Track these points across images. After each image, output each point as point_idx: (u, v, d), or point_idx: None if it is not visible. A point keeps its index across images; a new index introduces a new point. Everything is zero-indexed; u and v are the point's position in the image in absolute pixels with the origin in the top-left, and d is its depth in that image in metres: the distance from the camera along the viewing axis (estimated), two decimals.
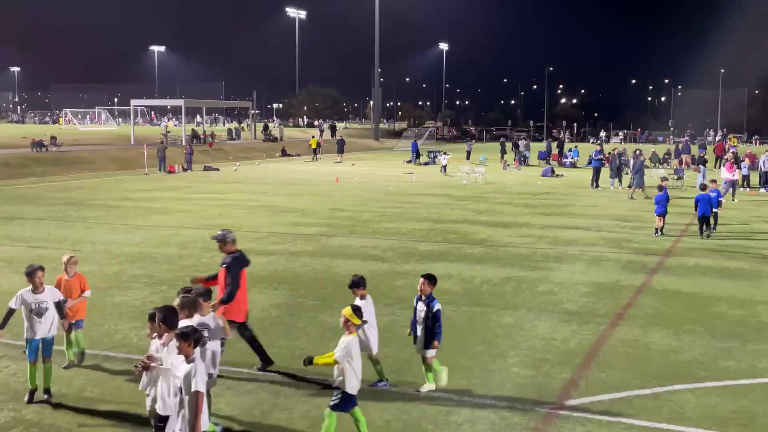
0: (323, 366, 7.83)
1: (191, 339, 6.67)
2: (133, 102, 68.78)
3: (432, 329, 9.25)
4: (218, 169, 45.98)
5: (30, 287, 9.07)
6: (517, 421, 8.65)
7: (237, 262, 10.10)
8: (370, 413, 8.71)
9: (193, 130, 67.68)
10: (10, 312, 9.05)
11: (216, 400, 9.10)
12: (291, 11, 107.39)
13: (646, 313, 13.34)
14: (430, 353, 9.31)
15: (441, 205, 28.94)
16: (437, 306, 9.32)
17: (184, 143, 54.74)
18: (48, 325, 9.07)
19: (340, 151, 58.87)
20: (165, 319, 7.31)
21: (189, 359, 6.60)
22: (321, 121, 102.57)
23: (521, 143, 55.99)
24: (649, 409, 9.01)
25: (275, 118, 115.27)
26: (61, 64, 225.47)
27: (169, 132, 65.46)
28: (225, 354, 10.72)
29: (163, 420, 7.10)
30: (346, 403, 7.71)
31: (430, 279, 9.43)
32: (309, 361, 7.79)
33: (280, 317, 12.94)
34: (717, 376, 10.15)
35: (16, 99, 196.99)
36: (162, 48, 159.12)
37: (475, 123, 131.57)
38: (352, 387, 7.70)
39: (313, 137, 66.42)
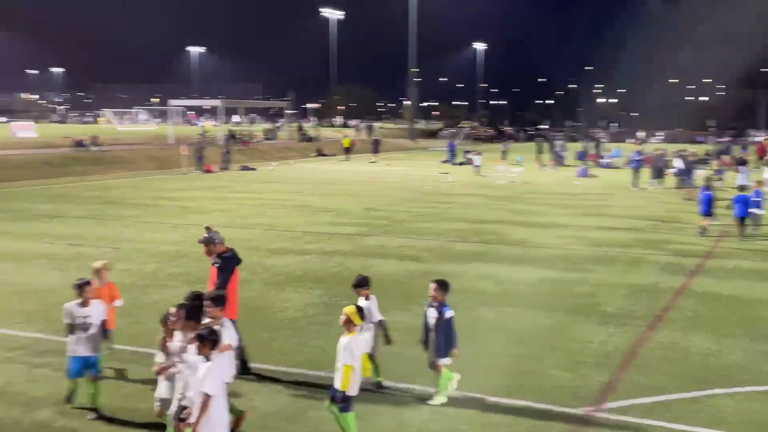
0: (349, 378, 7.72)
1: (209, 340, 6.75)
2: (172, 102, 69.64)
3: (446, 337, 8.90)
4: (255, 169, 46.32)
5: (78, 300, 8.76)
6: (554, 423, 8.57)
7: (229, 262, 9.94)
8: (406, 415, 8.71)
9: (230, 129, 68.30)
10: (70, 329, 8.74)
11: (252, 397, 9.17)
12: (327, 12, 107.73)
13: (685, 315, 13.13)
14: (443, 361, 9.00)
15: (477, 205, 28.81)
16: (450, 313, 8.98)
17: (221, 143, 55.26)
18: (93, 342, 8.75)
19: (376, 151, 58.92)
20: (189, 315, 7.41)
21: (207, 359, 6.69)
22: (359, 121, 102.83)
23: (558, 143, 55.50)
24: (687, 413, 8.87)
25: (311, 118, 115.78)
26: (103, 65, 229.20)
27: (206, 132, 66.16)
28: (262, 352, 10.82)
29: None
30: (350, 403, 7.74)
31: (442, 285, 9.09)
32: (338, 397, 7.76)
33: (315, 316, 12.99)
34: (757, 381, 9.95)
35: (60, 99, 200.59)
36: (201, 49, 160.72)
37: (511, 123, 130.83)
38: (354, 388, 7.73)
39: (345, 137, 66.57)
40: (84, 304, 8.73)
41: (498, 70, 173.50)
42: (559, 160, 51.51)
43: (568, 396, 9.37)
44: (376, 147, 59.52)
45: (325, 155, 61.09)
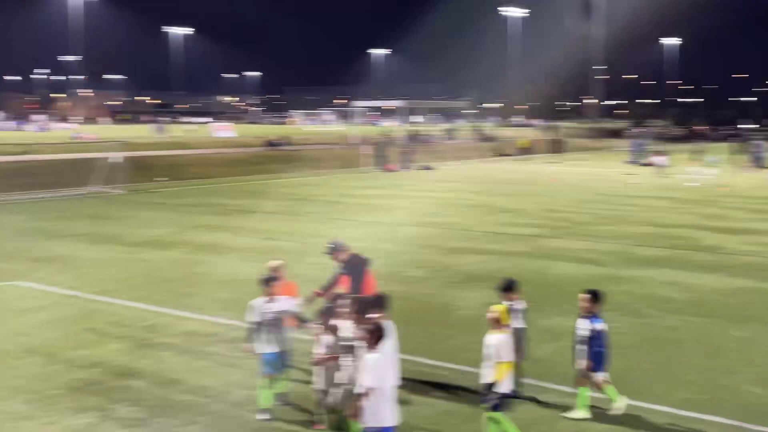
0: (504, 373, 7.72)
1: (374, 334, 6.99)
2: (356, 103, 71.97)
3: (596, 351, 8.49)
4: (434, 168, 46.83)
5: (265, 296, 8.80)
6: None
7: (354, 268, 10.06)
8: (583, 426, 8.51)
9: (410, 130, 69.57)
10: (255, 326, 8.78)
11: (431, 394, 9.31)
12: (508, 10, 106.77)
13: None
14: (598, 377, 8.58)
15: (664, 208, 27.43)
16: (600, 325, 8.56)
17: (401, 143, 56.38)
18: (284, 337, 8.79)
19: (557, 150, 57.68)
20: (359, 310, 7.68)
21: (371, 352, 6.95)
22: (539, 120, 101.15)
23: (756, 143, 51.55)
24: None
25: (491, 118, 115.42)
26: (294, 69, 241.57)
27: (389, 132, 67.77)
28: (438, 349, 10.97)
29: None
30: (502, 402, 7.71)
31: (594, 296, 8.69)
32: (490, 397, 7.76)
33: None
34: None
35: (255, 101, 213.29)
36: (387, 51, 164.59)
37: (703, 122, 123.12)
38: (507, 386, 7.72)
39: (522, 137, 65.72)
40: (271, 299, 8.80)
41: (690, 66, 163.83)
42: (757, 162, 47.84)
43: (765, 414, 8.73)
44: (557, 147, 58.27)
45: (504, 155, 60.63)
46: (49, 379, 9.76)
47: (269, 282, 8.86)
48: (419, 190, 34.16)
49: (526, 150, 58.03)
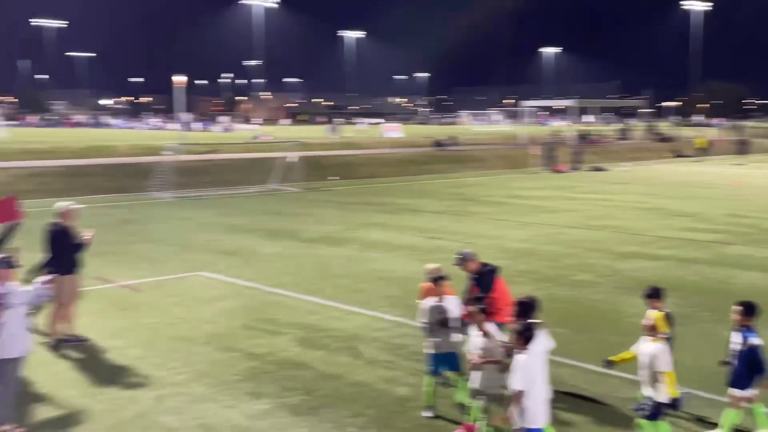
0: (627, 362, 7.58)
1: (524, 336, 7.00)
2: (525, 103, 71.02)
3: (748, 367, 7.85)
4: (606, 170, 45.32)
5: (435, 297, 8.77)
6: None
7: (483, 278, 9.76)
8: None
9: (581, 129, 67.70)
10: (426, 326, 8.79)
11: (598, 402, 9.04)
12: (690, 4, 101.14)
13: None
14: (739, 393, 7.95)
15: None
16: (755, 340, 7.89)
17: (571, 143, 54.99)
18: (452, 338, 8.73)
19: (742, 152, 53.96)
20: (519, 312, 7.59)
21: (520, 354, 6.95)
22: (722, 120, 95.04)
23: None
24: None
25: (670, 117, 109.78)
26: (463, 70, 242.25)
27: (558, 132, 66.32)
28: (608, 356, 10.61)
29: None
30: (658, 412, 7.44)
31: (748, 309, 8.05)
32: (648, 406, 7.50)
33: None
34: None
35: (423, 102, 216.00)
36: (557, 49, 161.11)
37: None
38: (663, 396, 7.43)
39: (700, 137, 61.97)
40: (441, 299, 8.79)
41: None
42: None
43: None
44: (742, 148, 54.52)
45: (682, 156, 57.56)
46: (229, 366, 10.42)
47: (438, 282, 8.88)
48: (589, 191, 33.18)
49: (705, 151, 54.73)
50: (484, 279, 9.81)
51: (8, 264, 8.30)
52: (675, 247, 19.33)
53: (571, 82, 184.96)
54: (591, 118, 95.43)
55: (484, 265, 9.99)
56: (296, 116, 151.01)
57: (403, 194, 32.15)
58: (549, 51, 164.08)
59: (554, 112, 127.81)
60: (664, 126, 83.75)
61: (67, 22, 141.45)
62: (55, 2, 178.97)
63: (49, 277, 8.61)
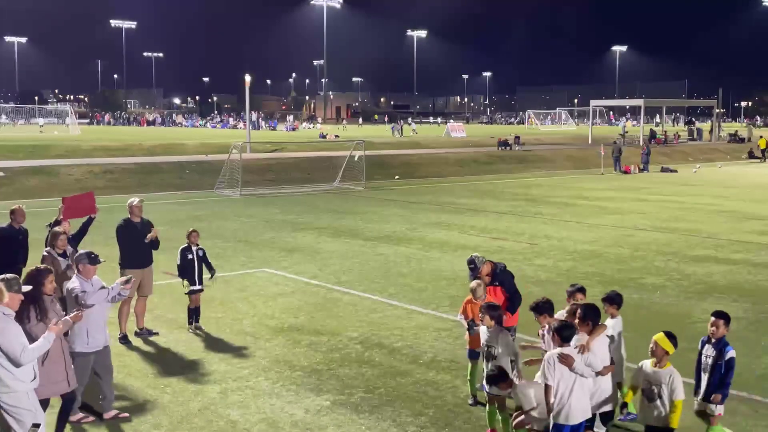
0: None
1: (561, 333, 6.97)
2: (593, 102, 69.80)
3: (722, 382, 7.52)
4: (676, 171, 44.25)
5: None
6: None
7: (505, 277, 9.65)
8: None
9: (651, 130, 66.18)
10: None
11: None
12: None
13: None
14: (718, 409, 7.57)
15: None
16: (731, 353, 7.55)
17: (641, 143, 53.83)
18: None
19: None
20: (585, 316, 7.45)
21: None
22: None
23: None
24: None
25: (744, 118, 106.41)
26: (526, 68, 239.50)
27: (626, 132, 65.01)
28: (676, 363, 10.34)
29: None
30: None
31: (727, 319, 7.72)
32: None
33: (738, 331, 11.95)
34: None
35: (487, 102, 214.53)
36: (624, 48, 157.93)
37: None
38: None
39: (761, 137, 59.81)
40: None
41: None
42: None
43: None
44: None
45: (756, 158, 55.72)
46: (292, 361, 10.54)
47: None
48: (659, 193, 32.41)
49: (762, 151, 53.15)
50: (505, 279, 9.73)
51: (92, 259, 8.53)
52: (748, 251, 18.72)
53: (641, 82, 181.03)
54: (661, 118, 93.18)
55: (495, 264, 9.85)
56: (359, 115, 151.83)
57: (466, 194, 31.98)
58: (617, 49, 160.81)
59: (623, 112, 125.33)
60: (738, 127, 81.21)
61: (135, 23, 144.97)
62: (124, 3, 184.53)
63: (128, 277, 8.78)
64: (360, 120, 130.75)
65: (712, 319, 7.74)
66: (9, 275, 6.81)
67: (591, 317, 7.41)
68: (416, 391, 9.47)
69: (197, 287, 11.96)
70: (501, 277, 9.72)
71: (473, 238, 20.59)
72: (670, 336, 7.15)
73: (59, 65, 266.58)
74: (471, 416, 8.69)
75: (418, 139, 62.58)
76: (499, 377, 7.56)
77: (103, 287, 8.47)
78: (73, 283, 8.39)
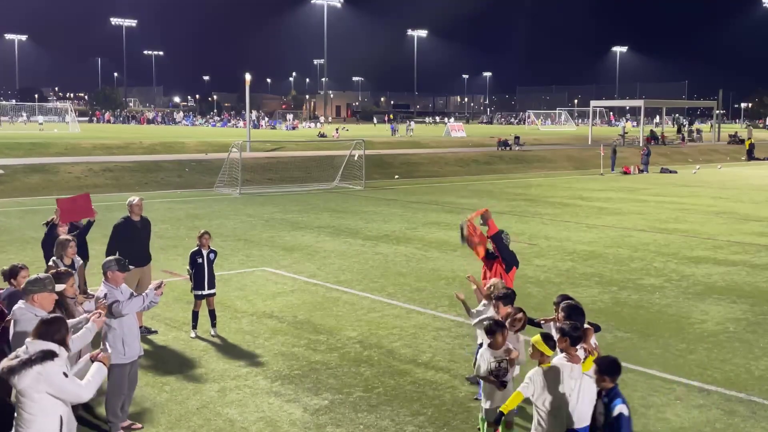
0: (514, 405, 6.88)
1: (567, 335, 6.66)
2: (593, 103, 69.81)
3: None
4: (675, 172, 44.29)
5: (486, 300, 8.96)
6: None
7: (499, 242, 9.79)
8: None
9: (651, 131, 66.20)
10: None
11: (663, 410, 8.86)
12: None
13: None
14: None
15: None
16: (621, 408, 6.00)
17: (640, 144, 53.84)
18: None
19: None
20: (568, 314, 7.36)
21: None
22: None
23: None
24: None
25: (743, 119, 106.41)
26: (526, 68, 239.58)
27: (626, 133, 65.04)
28: (676, 363, 10.37)
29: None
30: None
31: (612, 369, 6.15)
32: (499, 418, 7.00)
33: (737, 333, 12.00)
34: None
35: (487, 101, 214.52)
36: (624, 48, 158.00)
37: None
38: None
39: (749, 139, 59.94)
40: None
41: None
42: None
43: None
44: None
45: (756, 159, 55.79)
46: (290, 360, 10.53)
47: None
48: (658, 194, 32.43)
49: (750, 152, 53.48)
50: (501, 247, 9.73)
51: (122, 266, 8.16)
52: (747, 252, 18.73)
53: (640, 82, 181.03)
54: (660, 118, 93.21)
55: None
56: (359, 115, 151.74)
57: (465, 194, 31.98)
58: (616, 50, 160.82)
59: (623, 113, 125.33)
60: (737, 128, 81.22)
61: (135, 21, 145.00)
62: (124, 1, 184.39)
63: (159, 281, 8.38)
64: (358, 119, 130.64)
65: (596, 367, 6.26)
66: (42, 275, 6.76)
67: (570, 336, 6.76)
68: (415, 390, 9.47)
69: (206, 292, 11.60)
70: (499, 248, 9.76)
71: None
72: (547, 338, 6.68)
73: (59, 63, 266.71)
74: (469, 416, 8.69)
75: (418, 139, 62.58)
76: (495, 326, 7.50)
77: (132, 294, 8.21)
78: (103, 292, 7.98)
